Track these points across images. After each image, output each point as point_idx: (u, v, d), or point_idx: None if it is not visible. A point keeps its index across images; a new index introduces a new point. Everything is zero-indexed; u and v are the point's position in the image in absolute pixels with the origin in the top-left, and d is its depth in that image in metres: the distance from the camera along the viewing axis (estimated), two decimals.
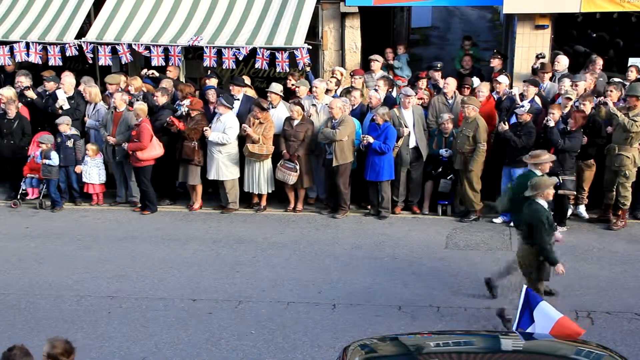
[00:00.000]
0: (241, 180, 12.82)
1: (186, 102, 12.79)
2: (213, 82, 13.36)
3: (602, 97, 11.81)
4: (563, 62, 12.93)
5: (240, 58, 13.60)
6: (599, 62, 12.92)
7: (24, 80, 13.66)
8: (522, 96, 12.21)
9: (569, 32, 14.54)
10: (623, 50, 14.45)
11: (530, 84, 12.21)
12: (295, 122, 12.41)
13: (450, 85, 12.66)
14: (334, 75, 13.55)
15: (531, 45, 13.62)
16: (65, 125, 12.94)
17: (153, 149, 12.55)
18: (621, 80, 12.41)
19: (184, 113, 12.74)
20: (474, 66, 14.99)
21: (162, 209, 13.02)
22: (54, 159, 12.82)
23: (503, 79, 12.85)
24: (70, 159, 13.06)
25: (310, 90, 12.94)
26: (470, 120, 11.85)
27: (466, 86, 12.69)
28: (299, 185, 12.68)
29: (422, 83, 13.12)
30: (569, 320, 6.86)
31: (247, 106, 12.84)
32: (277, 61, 13.27)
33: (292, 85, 13.25)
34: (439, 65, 13.88)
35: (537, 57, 13.26)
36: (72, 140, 13.06)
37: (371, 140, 12.01)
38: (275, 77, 14.74)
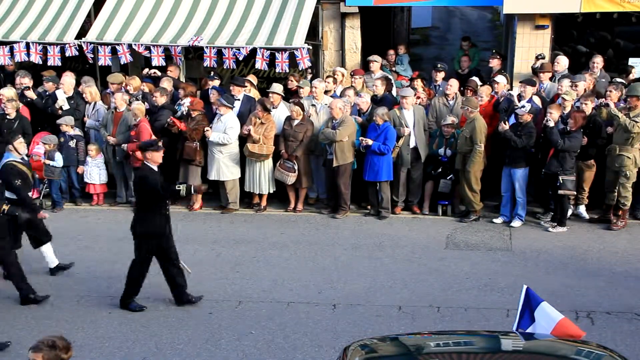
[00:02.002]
0: (241, 180, 12.83)
1: (186, 101, 12.79)
2: (215, 83, 13.37)
3: (604, 99, 11.80)
4: (562, 62, 12.92)
5: (241, 58, 13.61)
6: (596, 60, 12.89)
7: (24, 80, 13.66)
8: (520, 97, 12.21)
9: (569, 32, 14.54)
10: (623, 51, 14.46)
11: (526, 84, 12.21)
12: (295, 122, 12.42)
13: (453, 87, 12.67)
14: (332, 76, 13.58)
15: (531, 46, 13.61)
16: (65, 125, 12.94)
17: None
18: (622, 81, 12.41)
19: (184, 113, 12.74)
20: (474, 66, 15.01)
21: None
22: (58, 160, 12.81)
23: (501, 79, 12.84)
24: (71, 159, 13.07)
25: (310, 91, 12.95)
26: (469, 121, 11.87)
27: (469, 88, 12.67)
28: (299, 185, 12.69)
29: (417, 83, 13.12)
30: (570, 322, 6.87)
31: (247, 106, 12.85)
32: (277, 61, 13.27)
33: (296, 86, 13.26)
34: (440, 65, 13.87)
35: (537, 58, 13.26)
36: (75, 140, 13.07)
37: (370, 142, 12.01)
38: (275, 77, 14.75)
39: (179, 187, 9.54)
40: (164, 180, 9.53)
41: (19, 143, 10.22)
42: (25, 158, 10.40)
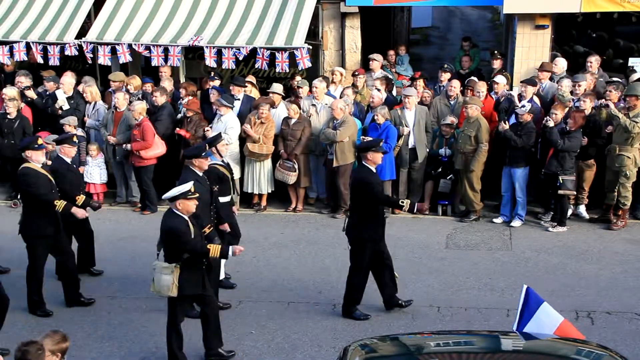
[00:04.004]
0: (241, 180, 12.82)
1: (185, 100, 12.82)
2: (216, 83, 13.39)
3: (604, 100, 11.78)
4: (560, 64, 12.92)
5: (241, 58, 13.61)
6: (592, 60, 12.88)
7: (24, 80, 13.66)
8: (521, 96, 12.22)
9: (569, 32, 14.54)
10: (623, 50, 14.46)
11: (527, 84, 12.21)
12: (293, 121, 12.42)
13: (456, 88, 12.66)
14: (324, 75, 13.57)
15: (531, 46, 13.61)
16: (69, 125, 12.90)
17: (156, 148, 12.55)
18: (620, 80, 12.40)
19: (185, 115, 12.75)
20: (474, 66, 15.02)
21: (162, 209, 12.98)
22: None
23: (500, 79, 12.85)
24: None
25: (310, 90, 12.97)
26: (472, 120, 11.86)
27: (469, 88, 12.68)
28: (297, 185, 12.68)
29: (419, 83, 13.11)
30: (571, 324, 6.90)
31: (247, 106, 12.85)
32: (277, 61, 13.27)
33: (296, 86, 13.27)
34: (446, 66, 13.85)
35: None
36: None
37: None
38: (275, 77, 14.76)
39: (402, 202, 9.13)
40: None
41: (222, 145, 9.86)
42: (225, 160, 9.96)
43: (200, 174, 8.93)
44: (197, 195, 7.93)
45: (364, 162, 9.05)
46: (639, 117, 11.27)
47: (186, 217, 7.85)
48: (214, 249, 7.99)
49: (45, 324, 9.06)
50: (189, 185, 7.94)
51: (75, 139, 10.31)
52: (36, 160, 9.30)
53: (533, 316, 6.83)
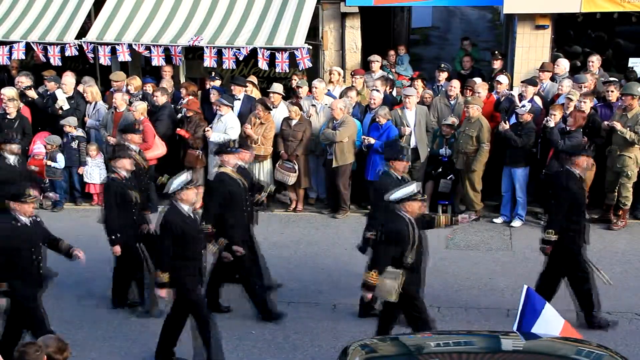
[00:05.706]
0: None
1: (185, 100, 12.83)
2: (217, 83, 13.39)
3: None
4: (562, 65, 12.92)
5: (241, 58, 13.62)
6: (593, 59, 12.89)
7: (24, 80, 13.66)
8: (521, 96, 12.22)
9: (569, 32, 14.54)
10: (623, 50, 14.46)
11: (528, 84, 12.21)
12: (293, 122, 12.42)
13: (456, 88, 12.66)
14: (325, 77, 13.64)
15: (531, 46, 13.62)
16: (69, 126, 12.91)
17: (156, 148, 12.53)
18: (616, 79, 12.38)
19: (185, 115, 12.76)
20: (473, 66, 15.01)
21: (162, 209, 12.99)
22: (60, 161, 12.80)
23: (503, 79, 12.85)
24: (73, 159, 13.06)
25: (310, 91, 12.97)
26: (474, 120, 11.85)
27: (469, 87, 12.68)
28: (297, 185, 12.68)
29: (418, 83, 13.11)
30: (572, 328, 6.91)
31: (248, 106, 12.85)
32: (277, 61, 13.28)
33: (295, 85, 13.28)
34: (443, 65, 13.85)
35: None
36: (77, 141, 13.06)
37: (372, 141, 12.01)
38: (275, 77, 14.76)
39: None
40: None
41: None
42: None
43: (399, 176, 8.88)
44: (425, 197, 7.88)
45: (568, 167, 8.91)
46: None
47: (410, 218, 7.82)
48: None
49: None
50: (415, 187, 7.89)
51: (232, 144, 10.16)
52: (231, 164, 9.24)
53: (539, 317, 6.83)
